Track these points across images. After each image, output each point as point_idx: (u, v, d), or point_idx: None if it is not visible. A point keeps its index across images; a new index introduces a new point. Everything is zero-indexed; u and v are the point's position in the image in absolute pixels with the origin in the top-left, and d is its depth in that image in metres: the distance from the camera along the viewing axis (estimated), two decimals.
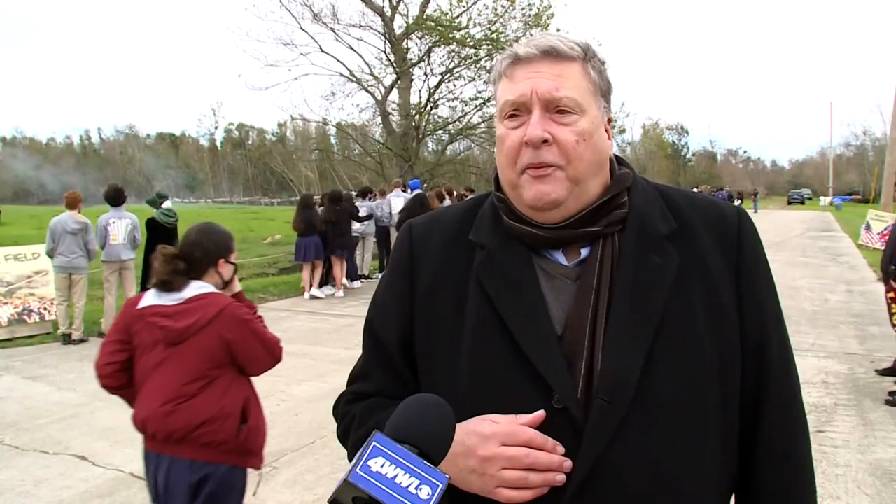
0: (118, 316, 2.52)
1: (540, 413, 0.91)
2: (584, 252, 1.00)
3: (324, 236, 10.50)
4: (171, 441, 2.29)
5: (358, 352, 1.16)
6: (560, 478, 0.89)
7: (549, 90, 0.95)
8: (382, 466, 0.67)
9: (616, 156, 1.09)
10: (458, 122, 19.20)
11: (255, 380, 2.52)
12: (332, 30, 17.61)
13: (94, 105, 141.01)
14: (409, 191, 13.06)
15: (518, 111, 0.97)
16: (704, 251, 1.00)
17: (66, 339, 7.63)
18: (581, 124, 0.95)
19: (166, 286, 2.36)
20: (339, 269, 10.94)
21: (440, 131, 19.45)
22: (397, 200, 12.37)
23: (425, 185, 16.68)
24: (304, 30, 17.52)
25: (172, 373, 2.33)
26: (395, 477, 0.67)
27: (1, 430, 4.88)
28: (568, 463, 0.89)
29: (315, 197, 12.67)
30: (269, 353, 2.45)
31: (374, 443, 0.69)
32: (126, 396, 2.50)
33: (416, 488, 0.67)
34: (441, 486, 0.68)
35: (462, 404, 0.94)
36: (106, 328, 7.95)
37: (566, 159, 0.95)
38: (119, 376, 2.43)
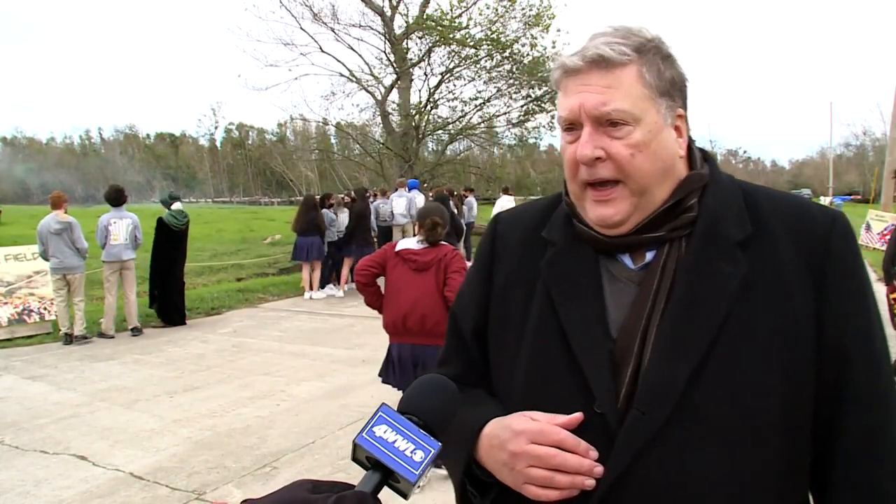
0: (379, 251, 4.12)
1: (577, 415, 0.90)
2: (649, 255, 0.97)
3: (323, 236, 10.53)
4: (422, 333, 3.76)
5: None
6: (589, 482, 0.88)
7: (597, 105, 0.91)
8: (385, 432, 0.79)
9: (703, 151, 1.03)
10: (458, 122, 19.20)
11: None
12: (332, 30, 17.64)
13: (94, 105, 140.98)
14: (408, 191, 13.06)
15: (572, 125, 0.95)
16: (781, 260, 0.92)
17: (68, 340, 7.63)
18: (635, 136, 0.91)
19: (436, 244, 3.92)
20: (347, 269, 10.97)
21: (440, 131, 19.46)
22: (399, 200, 12.38)
23: (425, 185, 16.69)
24: (304, 30, 17.55)
25: (416, 289, 3.79)
26: (394, 442, 0.78)
27: (1, 430, 4.88)
28: (599, 468, 0.88)
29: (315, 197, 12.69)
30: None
31: (380, 412, 0.81)
32: (367, 293, 4.01)
33: (411, 452, 0.78)
34: (433, 451, 0.79)
35: (517, 399, 0.97)
36: (106, 328, 7.97)
37: (623, 174, 0.92)
38: (370, 277, 3.95)
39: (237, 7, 55.18)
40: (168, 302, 8.63)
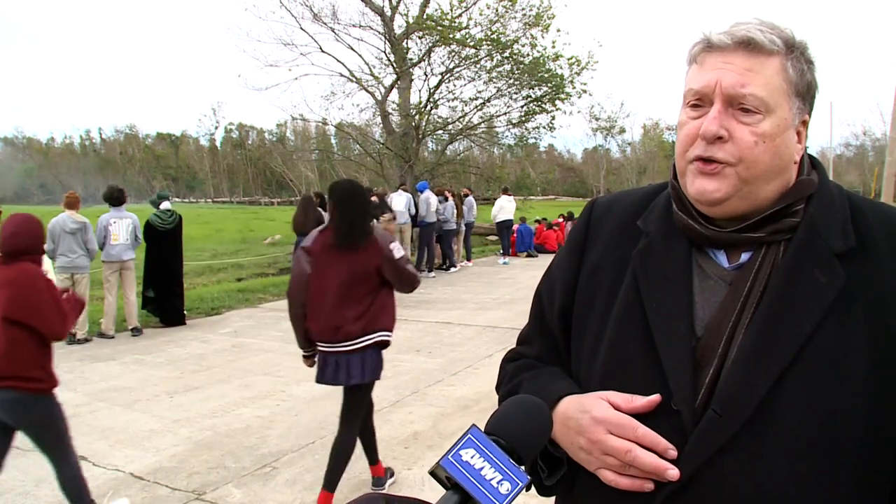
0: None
1: (655, 397, 0.90)
2: (744, 256, 0.94)
3: None
4: None
5: None
6: (650, 485, 0.88)
7: (734, 85, 0.89)
8: (472, 458, 0.74)
9: (811, 157, 1.01)
10: (458, 122, 19.20)
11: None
12: (332, 30, 17.61)
13: (94, 105, 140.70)
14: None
15: (700, 101, 0.93)
16: (883, 277, 0.89)
17: (71, 339, 7.62)
18: (763, 126, 0.89)
19: None
20: None
21: (440, 131, 19.45)
22: (399, 199, 12.57)
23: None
24: (304, 30, 17.51)
25: None
26: (481, 469, 0.73)
27: None
28: (674, 472, 0.86)
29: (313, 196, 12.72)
30: None
31: (469, 435, 0.76)
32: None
33: (497, 482, 0.72)
34: (521, 484, 0.74)
35: (594, 386, 0.98)
36: (106, 328, 7.97)
37: (739, 158, 0.90)
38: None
39: (237, 7, 55.13)
40: (167, 302, 8.63)
